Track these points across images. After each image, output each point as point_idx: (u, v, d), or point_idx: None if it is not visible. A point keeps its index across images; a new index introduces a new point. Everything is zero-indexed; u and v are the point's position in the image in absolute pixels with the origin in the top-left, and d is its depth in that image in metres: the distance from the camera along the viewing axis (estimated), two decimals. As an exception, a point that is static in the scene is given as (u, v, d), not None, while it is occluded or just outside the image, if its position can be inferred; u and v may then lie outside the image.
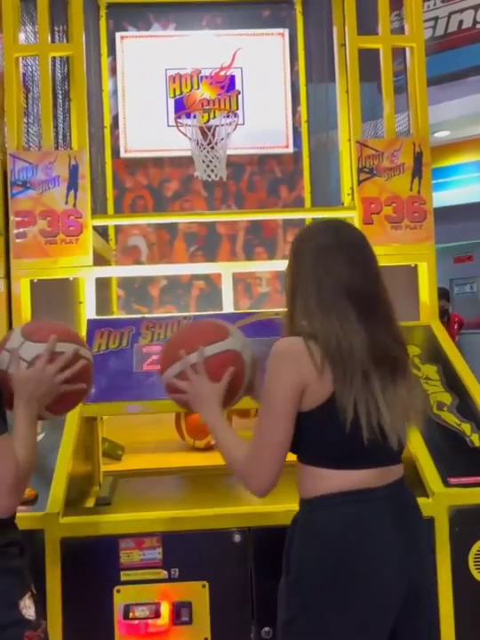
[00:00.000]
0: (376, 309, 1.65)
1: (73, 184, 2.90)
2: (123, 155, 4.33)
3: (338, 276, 1.64)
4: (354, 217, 3.01)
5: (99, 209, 3.93)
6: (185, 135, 4.24)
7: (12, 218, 2.88)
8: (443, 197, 6.94)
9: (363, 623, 1.60)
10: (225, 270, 3.02)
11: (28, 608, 1.57)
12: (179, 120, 4.23)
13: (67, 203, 2.89)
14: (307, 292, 1.67)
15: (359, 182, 3.00)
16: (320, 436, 1.64)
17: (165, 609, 2.12)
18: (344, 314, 1.62)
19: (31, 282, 2.91)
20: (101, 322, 2.78)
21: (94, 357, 2.61)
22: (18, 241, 2.89)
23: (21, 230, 2.87)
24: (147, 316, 3.07)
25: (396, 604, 1.62)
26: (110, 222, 4.12)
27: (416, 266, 3.03)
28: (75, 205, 2.89)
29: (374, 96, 3.71)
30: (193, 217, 3.98)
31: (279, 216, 4.26)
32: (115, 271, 4.05)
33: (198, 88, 4.34)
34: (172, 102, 4.33)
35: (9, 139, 2.92)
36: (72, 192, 2.90)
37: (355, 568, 1.60)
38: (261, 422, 1.65)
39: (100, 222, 3.59)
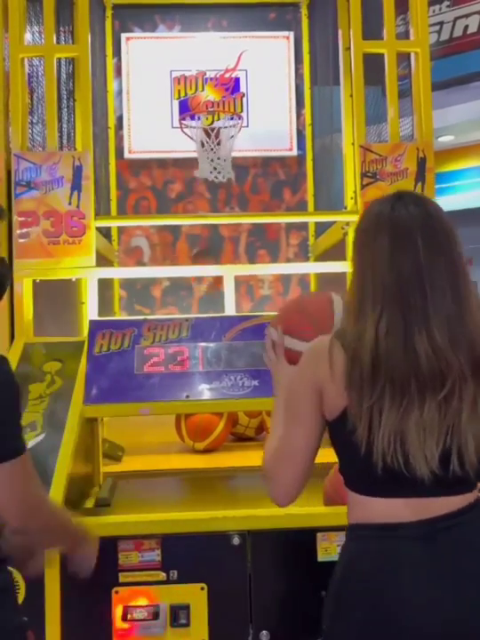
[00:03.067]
0: (425, 308, 1.37)
1: (76, 185, 2.90)
2: (126, 156, 4.33)
3: (380, 266, 1.41)
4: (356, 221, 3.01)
5: (102, 209, 3.93)
6: (189, 137, 4.24)
7: (15, 218, 2.89)
8: (446, 202, 6.94)
9: None
10: (227, 273, 3.02)
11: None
12: (183, 122, 4.23)
13: (70, 203, 2.90)
14: (353, 283, 1.48)
15: (362, 186, 3.00)
16: (342, 452, 1.48)
17: (164, 611, 2.12)
18: (382, 313, 1.38)
19: (33, 282, 2.91)
20: (103, 323, 2.78)
21: (95, 358, 2.64)
22: (21, 241, 2.89)
23: (24, 230, 2.88)
24: (148, 317, 3.07)
25: None
26: (113, 223, 4.13)
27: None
28: (78, 206, 2.90)
29: (379, 100, 3.71)
30: (196, 219, 3.98)
31: (281, 219, 4.26)
32: (117, 272, 4.05)
33: (203, 90, 4.34)
34: (176, 104, 4.33)
35: (13, 139, 2.93)
36: (76, 193, 2.90)
37: (368, 610, 1.39)
38: (283, 423, 1.50)
39: (103, 223, 3.59)
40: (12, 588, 1.60)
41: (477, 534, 1.42)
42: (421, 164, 3.01)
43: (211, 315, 3.01)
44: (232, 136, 4.19)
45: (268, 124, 4.36)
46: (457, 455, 1.37)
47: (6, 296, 2.89)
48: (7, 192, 2.93)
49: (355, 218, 3.04)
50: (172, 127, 4.30)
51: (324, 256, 3.92)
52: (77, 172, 2.90)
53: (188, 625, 2.12)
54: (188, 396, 2.56)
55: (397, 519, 1.40)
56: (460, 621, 1.36)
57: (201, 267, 3.91)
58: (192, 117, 4.26)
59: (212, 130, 4.19)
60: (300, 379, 1.48)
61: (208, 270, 3.67)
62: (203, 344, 2.67)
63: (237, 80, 4.35)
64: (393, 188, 2.99)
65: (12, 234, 2.89)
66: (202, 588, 2.14)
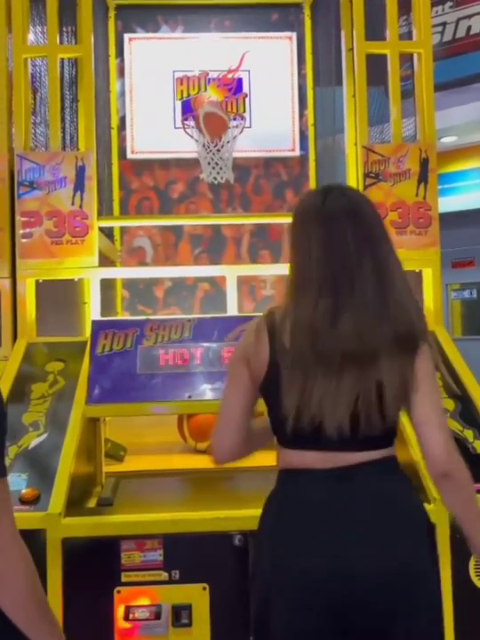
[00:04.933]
0: (352, 290, 1.54)
1: (79, 185, 2.91)
2: (129, 156, 4.34)
3: (312, 252, 1.57)
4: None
5: (105, 210, 3.94)
6: (192, 137, 4.25)
7: (18, 218, 2.89)
8: (449, 203, 6.94)
9: (285, 595, 1.53)
10: (230, 273, 3.03)
11: None
12: (186, 122, 4.24)
13: (73, 204, 2.90)
14: (289, 268, 1.64)
15: (365, 187, 3.00)
16: (269, 410, 1.67)
17: (166, 611, 2.12)
18: (313, 294, 1.54)
19: (36, 282, 2.92)
20: (105, 323, 2.78)
21: (98, 358, 2.65)
22: (24, 241, 2.90)
23: (27, 230, 2.88)
24: (151, 317, 3.08)
25: (329, 587, 1.49)
26: (116, 224, 4.13)
27: (420, 272, 3.04)
28: (81, 206, 2.90)
29: (381, 100, 3.71)
30: (198, 220, 3.98)
31: (283, 220, 4.26)
32: (120, 272, 4.06)
33: (205, 90, 4.34)
34: (179, 104, 4.33)
35: (16, 139, 2.93)
36: (78, 193, 2.91)
37: (271, 541, 1.59)
38: (225, 390, 1.72)
39: (105, 223, 3.60)
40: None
41: (377, 485, 1.58)
42: (424, 164, 3.01)
43: (213, 315, 3.01)
44: (233, 137, 4.21)
45: (271, 125, 4.36)
46: (366, 418, 1.54)
47: (9, 296, 2.91)
48: (10, 192, 2.93)
49: (357, 218, 3.04)
50: (175, 128, 4.31)
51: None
52: (80, 172, 2.91)
53: (189, 625, 2.13)
54: (190, 397, 2.56)
55: (307, 466, 1.59)
56: (346, 564, 1.50)
57: (204, 267, 3.92)
58: (194, 118, 4.27)
59: (215, 130, 4.20)
60: (235, 352, 1.70)
61: (211, 271, 3.67)
62: (205, 344, 2.67)
63: (240, 80, 4.35)
64: (396, 190, 3.01)
65: (14, 234, 2.89)
66: (204, 589, 2.15)
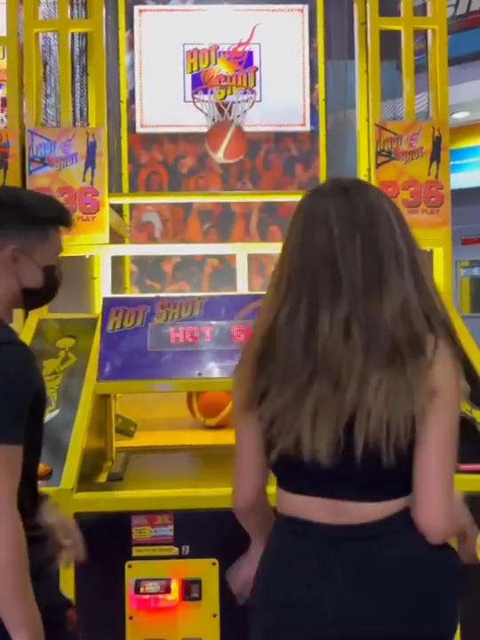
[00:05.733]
0: (334, 293, 1.29)
1: (90, 161, 2.90)
2: (139, 130, 4.32)
3: (292, 251, 1.36)
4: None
5: (113, 184, 3.93)
6: (201, 111, 4.23)
7: (29, 194, 2.89)
8: (460, 179, 6.87)
9: None
10: (240, 251, 3.03)
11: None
12: (195, 96, 4.21)
13: (84, 180, 2.90)
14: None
15: (377, 165, 2.99)
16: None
17: (176, 585, 2.16)
18: (288, 299, 1.33)
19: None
20: (116, 300, 2.79)
21: (109, 335, 2.66)
22: (35, 217, 2.89)
23: (39, 207, 2.87)
24: (161, 295, 3.08)
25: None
26: (127, 201, 4.13)
27: (431, 251, 3.03)
28: (92, 183, 2.90)
29: (393, 74, 3.68)
30: (208, 197, 3.96)
31: (292, 198, 4.22)
32: (131, 250, 4.06)
33: (216, 63, 4.31)
34: (189, 78, 4.30)
35: (28, 114, 2.92)
36: (89, 169, 2.90)
37: (264, 602, 1.43)
38: None
39: (117, 201, 3.59)
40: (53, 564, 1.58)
41: (399, 550, 1.31)
42: (437, 143, 2.99)
43: (223, 293, 3.02)
44: (243, 111, 4.18)
45: (281, 99, 4.33)
46: (359, 447, 1.26)
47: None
48: (21, 168, 2.93)
49: (368, 197, 3.03)
50: (185, 101, 4.29)
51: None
52: (91, 148, 2.90)
53: (199, 599, 2.16)
54: (199, 374, 2.58)
55: (308, 517, 1.35)
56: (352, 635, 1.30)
57: (214, 245, 3.91)
58: (205, 91, 4.24)
59: (225, 105, 4.17)
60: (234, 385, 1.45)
61: (221, 248, 3.66)
62: (215, 322, 2.68)
63: (250, 54, 4.31)
64: (408, 168, 2.99)
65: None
66: (213, 564, 2.18)
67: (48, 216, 1.61)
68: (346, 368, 1.26)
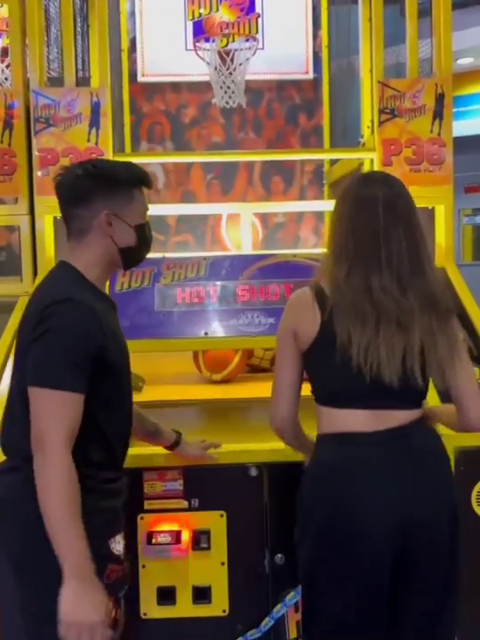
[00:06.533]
0: (381, 263, 1.70)
1: (95, 121, 2.91)
2: (140, 79, 4.26)
3: (350, 230, 1.73)
4: (374, 158, 3.02)
5: (116, 134, 3.91)
6: (203, 60, 4.17)
7: (35, 154, 2.91)
8: (464, 126, 6.77)
9: (341, 564, 1.69)
10: (245, 211, 3.06)
11: (117, 544, 1.73)
12: (197, 44, 4.15)
13: (89, 140, 2.91)
14: (328, 244, 1.81)
15: (380, 123, 3.00)
16: (315, 373, 1.80)
17: (186, 536, 2.28)
18: (347, 264, 1.71)
19: (54, 218, 2.96)
20: (123, 261, 2.84)
21: (117, 296, 2.73)
22: (41, 177, 2.93)
23: (45, 168, 2.90)
24: (167, 255, 3.13)
25: (384, 553, 1.68)
26: (132, 160, 4.10)
27: (433, 208, 3.06)
28: (97, 143, 2.92)
29: (396, 19, 3.63)
30: (213, 157, 3.91)
31: (295, 156, 4.19)
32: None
33: (217, 10, 4.23)
34: (190, 25, 4.23)
35: (31, 74, 2.91)
36: (94, 129, 2.91)
37: (327, 512, 1.71)
38: (275, 365, 1.86)
39: (122, 160, 3.57)
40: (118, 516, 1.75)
41: (425, 442, 1.76)
42: (439, 100, 2.99)
43: (228, 254, 3.07)
44: (245, 60, 4.12)
45: (284, 47, 4.26)
46: (411, 373, 1.69)
47: (28, 233, 2.96)
48: (26, 129, 2.94)
49: (371, 155, 3.05)
50: (186, 50, 4.22)
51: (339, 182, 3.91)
52: (95, 108, 2.90)
53: (208, 548, 2.28)
54: (206, 334, 2.66)
55: (360, 429, 1.71)
56: (414, 521, 1.68)
57: (218, 204, 3.91)
58: (206, 40, 4.17)
59: (227, 53, 4.11)
60: (281, 326, 1.82)
61: (226, 208, 3.68)
62: (220, 282, 2.74)
63: (253, 0, 4.23)
64: (411, 126, 3.00)
65: (32, 171, 2.92)
66: (221, 516, 2.29)
67: (131, 180, 1.76)
68: (407, 318, 1.68)
